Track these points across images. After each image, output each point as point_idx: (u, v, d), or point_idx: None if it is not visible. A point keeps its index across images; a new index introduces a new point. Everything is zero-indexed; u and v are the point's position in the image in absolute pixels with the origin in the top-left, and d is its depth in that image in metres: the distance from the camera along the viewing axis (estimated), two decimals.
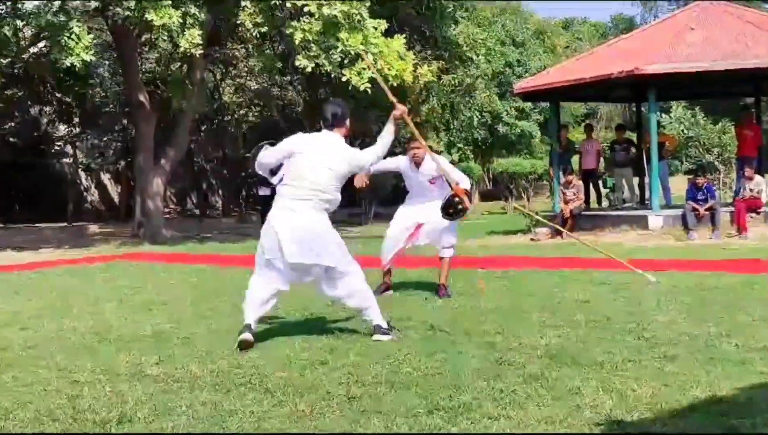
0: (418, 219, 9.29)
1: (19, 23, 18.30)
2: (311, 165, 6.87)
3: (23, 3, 17.67)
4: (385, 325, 6.94)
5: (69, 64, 17.31)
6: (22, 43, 20.56)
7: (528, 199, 31.25)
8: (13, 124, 30.36)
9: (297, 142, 7.11)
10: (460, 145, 35.43)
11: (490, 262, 12.46)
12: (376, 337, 6.83)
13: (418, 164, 9.26)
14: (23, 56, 21.53)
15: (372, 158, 7.18)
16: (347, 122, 7.17)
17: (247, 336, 6.62)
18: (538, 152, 38.38)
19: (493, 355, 6.04)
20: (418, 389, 5.17)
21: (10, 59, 22.04)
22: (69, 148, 32.60)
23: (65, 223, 27.68)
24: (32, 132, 31.19)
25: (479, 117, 33.72)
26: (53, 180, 31.13)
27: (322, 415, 4.73)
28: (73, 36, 16.87)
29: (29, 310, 9.44)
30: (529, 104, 35.59)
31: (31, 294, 11.08)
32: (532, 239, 17.14)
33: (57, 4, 17.56)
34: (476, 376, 5.45)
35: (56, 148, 32.47)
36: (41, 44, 20.20)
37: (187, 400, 5.17)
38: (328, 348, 6.51)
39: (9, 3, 18.41)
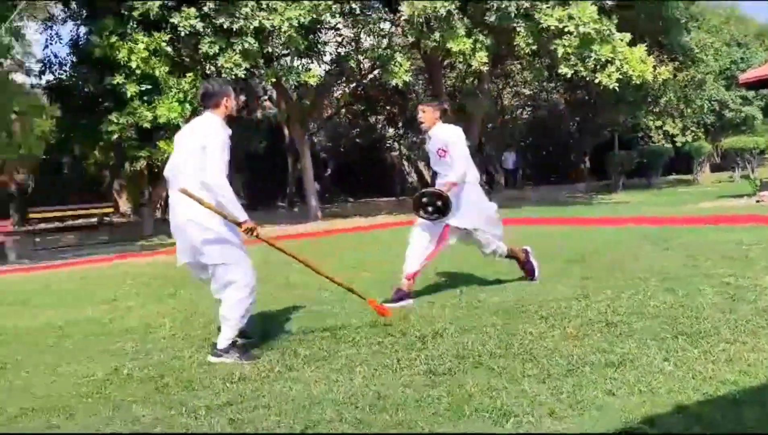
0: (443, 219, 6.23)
1: (360, 57, 19.29)
2: (176, 152, 4.94)
3: (363, 41, 18.59)
4: (223, 346, 4.67)
5: (394, 84, 17.98)
6: (363, 71, 21.63)
7: (752, 170, 28.61)
8: (358, 129, 32.14)
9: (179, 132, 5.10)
10: (693, 129, 33.18)
11: (722, 219, 11.49)
12: (210, 358, 4.68)
13: (425, 131, 6.46)
14: (363, 81, 22.66)
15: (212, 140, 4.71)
16: (224, 100, 4.91)
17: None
18: (761, 131, 35.53)
19: (727, 292, 5.54)
20: (664, 319, 4.85)
21: (354, 84, 23.30)
22: (395, 145, 33.92)
23: (394, 198, 28.78)
24: (371, 135, 32.76)
25: (709, 105, 31.44)
26: (385, 168, 32.50)
27: (586, 336, 4.57)
28: (396, 63, 17.47)
29: (373, 257, 9.91)
30: (752, 93, 32.66)
31: (372, 247, 11.63)
32: (757, 201, 15.65)
33: (385, 42, 18.29)
34: (714, 308, 5.02)
35: (387, 145, 33.93)
36: (375, 72, 21.10)
37: (485, 321, 5.19)
38: (587, 286, 6.29)
39: (353, 43, 19.41)
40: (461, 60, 18.31)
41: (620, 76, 17.07)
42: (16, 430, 3.59)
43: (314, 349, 4.75)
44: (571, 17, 16.53)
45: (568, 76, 17.54)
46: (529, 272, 6.75)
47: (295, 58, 18.00)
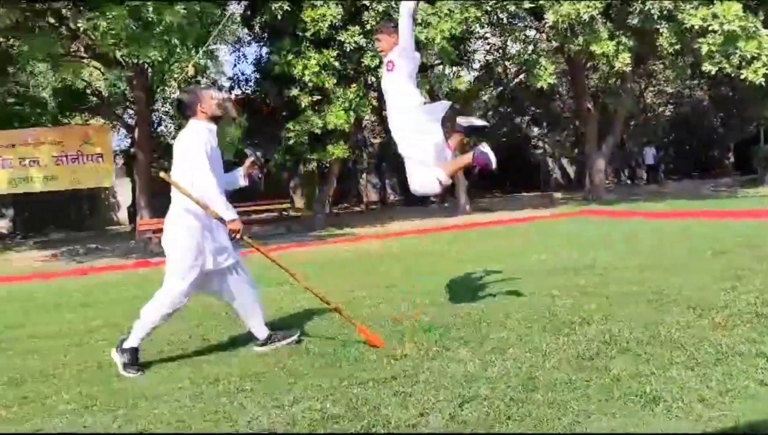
0: None
1: (507, 63, 18.97)
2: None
3: (509, 48, 18.27)
4: (128, 344, 4.36)
5: (539, 87, 17.55)
6: (509, 76, 21.27)
7: None
8: (504, 130, 31.71)
9: None
10: None
11: None
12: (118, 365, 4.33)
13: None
14: (510, 85, 22.29)
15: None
16: (198, 106, 4.47)
17: None
18: None
19: None
20: None
21: (501, 88, 22.97)
22: (540, 143, 33.15)
23: (539, 193, 28.12)
24: (516, 134, 32.21)
25: None
26: (530, 165, 31.83)
27: (735, 327, 4.25)
28: (541, 67, 17.04)
29: (512, 247, 9.75)
30: None
31: (515, 238, 11.42)
32: None
33: (530, 48, 17.91)
34: None
35: (532, 144, 33.24)
36: (521, 75, 20.69)
37: (631, 310, 4.96)
38: (734, 278, 5.84)
39: (500, 50, 19.10)
40: (604, 62, 17.58)
41: (767, 72, 15.69)
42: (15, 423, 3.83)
43: (467, 331, 4.73)
44: (715, 16, 15.37)
45: (712, 73, 16.32)
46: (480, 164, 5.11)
47: (447, 66, 17.98)
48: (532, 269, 7.44)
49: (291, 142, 16.35)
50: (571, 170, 34.75)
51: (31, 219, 23.59)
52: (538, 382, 3.52)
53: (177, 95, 4.55)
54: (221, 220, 4.37)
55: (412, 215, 19.81)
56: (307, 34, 15.64)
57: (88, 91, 20.85)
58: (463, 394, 3.43)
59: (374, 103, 17.04)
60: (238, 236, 4.38)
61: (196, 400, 3.66)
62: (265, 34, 18.40)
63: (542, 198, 23.97)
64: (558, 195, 25.54)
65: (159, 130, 23.49)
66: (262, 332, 4.71)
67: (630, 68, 17.69)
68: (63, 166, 15.80)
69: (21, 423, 3.49)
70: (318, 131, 15.91)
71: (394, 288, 6.93)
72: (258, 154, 4.73)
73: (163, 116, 23.65)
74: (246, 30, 19.73)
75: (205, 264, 4.43)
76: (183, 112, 4.60)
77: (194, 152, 4.33)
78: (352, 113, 15.97)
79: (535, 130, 32.68)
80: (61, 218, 23.67)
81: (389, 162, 31.11)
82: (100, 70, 19.79)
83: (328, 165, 17.32)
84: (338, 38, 15.63)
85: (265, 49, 18.91)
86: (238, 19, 18.23)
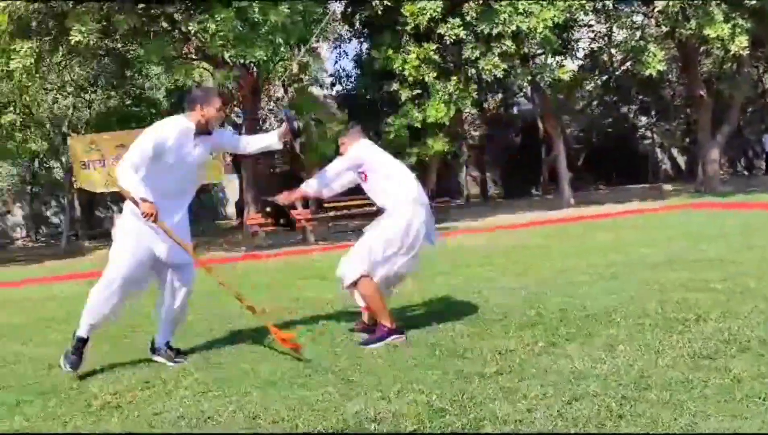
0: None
1: (613, 50, 18.35)
2: None
3: (615, 35, 17.64)
4: (79, 332, 4.38)
5: (647, 74, 16.86)
6: (615, 63, 20.55)
7: None
8: (610, 120, 30.65)
9: None
10: None
11: None
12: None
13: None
14: (615, 73, 21.52)
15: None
16: (199, 106, 4.44)
17: None
18: None
19: None
20: None
21: (606, 76, 22.22)
22: (648, 133, 31.80)
23: (647, 185, 27.00)
24: (623, 124, 31.04)
25: None
26: (637, 155, 30.60)
27: None
28: (650, 54, 16.37)
29: (619, 240, 9.41)
30: None
31: (622, 231, 11.02)
32: None
33: (638, 34, 17.22)
34: None
35: (639, 134, 31.93)
36: (628, 63, 19.92)
37: (750, 307, 4.68)
38: None
39: (606, 37, 18.45)
40: (719, 45, 16.66)
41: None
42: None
43: (575, 327, 4.62)
44: None
45: None
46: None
47: (549, 56, 17.55)
48: (641, 263, 7.17)
49: (391, 136, 16.46)
50: (681, 161, 33.17)
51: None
52: (651, 380, 3.39)
53: (193, 87, 4.36)
54: (134, 202, 4.26)
55: (514, 209, 19.51)
56: (407, 28, 15.69)
57: None
58: (572, 390, 3.35)
59: (474, 95, 16.88)
60: (151, 219, 4.18)
61: (302, 388, 3.76)
62: (365, 30, 18.59)
63: (651, 190, 23.01)
64: (668, 187, 24.43)
65: (265, 127, 24.22)
66: (162, 338, 4.62)
67: (747, 52, 16.69)
68: None
69: (143, 407, 3.70)
70: (418, 125, 15.95)
71: (496, 281, 6.85)
72: (297, 123, 4.56)
73: (268, 114, 24.36)
74: (347, 27, 20.01)
75: (154, 251, 4.35)
76: (186, 104, 4.58)
77: (139, 141, 4.33)
78: (452, 106, 15.90)
79: (643, 120, 31.34)
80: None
81: (491, 155, 30.78)
82: (209, 70, 20.63)
83: (427, 159, 17.33)
84: (438, 31, 15.59)
85: (365, 45, 19.14)
86: (339, 16, 18.50)
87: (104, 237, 20.06)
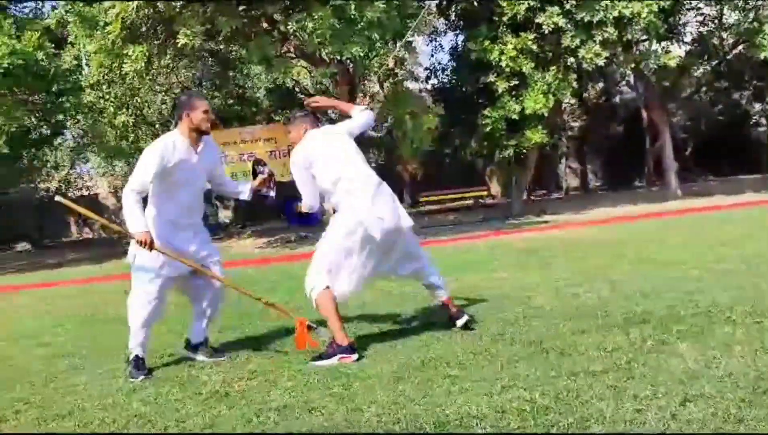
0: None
1: (724, 34, 17.41)
2: None
3: (726, 18, 16.70)
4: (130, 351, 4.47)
5: (762, 58, 15.89)
6: (726, 48, 19.50)
7: None
8: (720, 107, 29.09)
9: None
10: None
11: None
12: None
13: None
14: (726, 57, 20.42)
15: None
16: (185, 112, 4.39)
17: None
18: None
19: None
20: None
21: (716, 61, 21.11)
22: (763, 120, 29.96)
23: (761, 175, 25.46)
24: (734, 111, 29.35)
25: None
26: (750, 144, 28.90)
27: None
28: (764, 36, 15.43)
29: (732, 234, 8.91)
30: None
31: (736, 225, 10.43)
32: None
33: (751, 15, 16.25)
34: None
35: (753, 121, 30.11)
36: (740, 47, 18.85)
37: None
38: None
39: (716, 20, 17.53)
40: None
41: None
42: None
43: (687, 325, 4.41)
44: None
45: None
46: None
47: (654, 41, 16.83)
48: (757, 258, 6.77)
49: (488, 129, 16.28)
50: None
51: (249, 210, 25.72)
52: None
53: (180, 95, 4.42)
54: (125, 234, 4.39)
55: (617, 201, 18.86)
56: (504, 18, 15.45)
57: (297, 90, 22.29)
58: (685, 391, 3.20)
59: (574, 85, 16.44)
60: (146, 248, 4.20)
61: (404, 383, 3.78)
62: (461, 22, 18.45)
63: (765, 180, 21.71)
64: None
65: None
66: (198, 337, 4.71)
67: None
68: (276, 160, 17.02)
69: (250, 396, 3.82)
70: (515, 117, 15.70)
71: (600, 276, 6.65)
72: (268, 168, 4.59)
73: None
74: (442, 19, 19.93)
75: (170, 270, 4.44)
76: (174, 111, 4.50)
77: (137, 167, 4.32)
78: (550, 97, 15.55)
79: (757, 106, 29.53)
80: (273, 208, 25.59)
81: (591, 146, 29.90)
82: (306, 68, 21.09)
83: (525, 151, 17.03)
84: (536, 20, 15.27)
85: (461, 37, 18.99)
86: (435, 9, 18.45)
87: (210, 232, 20.87)
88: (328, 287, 4.42)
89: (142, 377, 4.32)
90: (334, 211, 4.66)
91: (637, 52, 16.87)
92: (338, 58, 13.65)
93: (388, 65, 16.54)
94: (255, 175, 4.89)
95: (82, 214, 4.48)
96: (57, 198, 4.56)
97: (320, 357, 4.34)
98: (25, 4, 17.70)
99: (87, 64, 17.02)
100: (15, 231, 24.04)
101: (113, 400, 3.98)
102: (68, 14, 15.44)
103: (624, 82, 26.57)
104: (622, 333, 4.34)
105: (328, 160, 4.57)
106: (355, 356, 4.32)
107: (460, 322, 4.82)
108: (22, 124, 15.44)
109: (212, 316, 4.77)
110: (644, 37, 16.78)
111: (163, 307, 4.57)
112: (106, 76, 17.12)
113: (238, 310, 6.13)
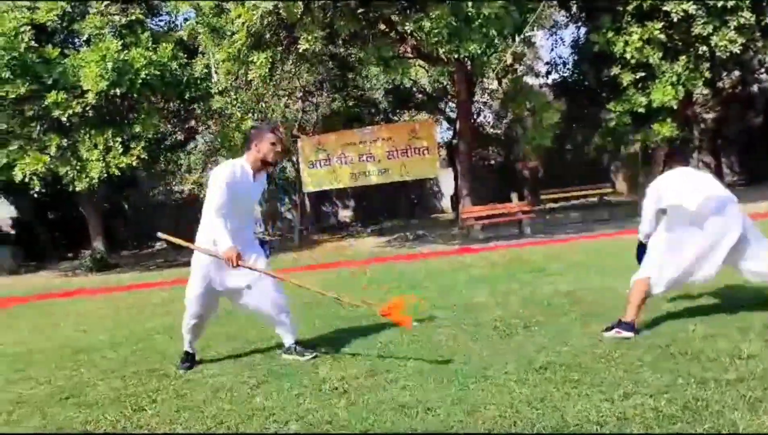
0: None
1: None
2: None
3: None
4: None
5: None
6: None
7: None
8: None
9: None
10: None
11: None
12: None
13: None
14: None
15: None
16: (254, 143, 4.73)
17: None
18: None
19: None
20: None
21: None
22: None
23: None
24: None
25: None
26: None
27: None
28: None
29: None
30: None
31: None
32: None
33: None
34: None
35: None
36: None
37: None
38: None
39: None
40: None
41: None
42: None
43: None
44: None
45: None
46: None
47: None
48: None
49: (612, 123, 15.69)
50: None
51: (369, 209, 26.18)
52: None
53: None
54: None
55: (757, 197, 17.62)
56: (629, 8, 14.83)
57: (414, 90, 22.44)
58: None
59: (706, 75, 15.51)
60: (234, 263, 4.43)
61: (522, 385, 3.72)
62: (583, 14, 17.88)
63: None
64: None
65: (479, 120, 24.29)
66: (288, 339, 4.95)
67: None
68: (394, 160, 17.20)
69: (368, 393, 3.89)
70: (642, 110, 15.02)
71: (732, 279, 6.23)
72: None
73: (481, 107, 24.38)
74: (563, 12, 19.40)
75: (216, 285, 4.81)
76: (246, 143, 4.91)
77: (209, 193, 4.56)
78: (680, 88, 14.75)
79: None
80: (392, 207, 25.85)
81: (726, 138, 28.11)
82: (424, 68, 21.17)
83: (653, 145, 16.24)
84: (663, 8, 14.53)
85: (582, 30, 18.41)
86: (555, 2, 17.99)
87: (331, 231, 21.45)
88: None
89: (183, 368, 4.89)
90: None
91: None
92: (456, 56, 13.60)
93: (506, 61, 16.28)
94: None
95: (183, 246, 4.96)
96: (159, 234, 5.11)
97: (608, 329, 4.61)
98: (160, 17, 18.69)
99: (216, 72, 17.92)
100: (154, 231, 25.65)
101: (237, 393, 4.18)
102: (198, 25, 16.29)
103: (762, 70, 24.72)
104: (759, 339, 4.07)
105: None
106: (630, 334, 4.48)
107: None
108: (158, 130, 16.45)
109: (286, 320, 4.95)
110: None
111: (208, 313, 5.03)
112: (233, 83, 17.97)
113: (348, 311, 6.25)
